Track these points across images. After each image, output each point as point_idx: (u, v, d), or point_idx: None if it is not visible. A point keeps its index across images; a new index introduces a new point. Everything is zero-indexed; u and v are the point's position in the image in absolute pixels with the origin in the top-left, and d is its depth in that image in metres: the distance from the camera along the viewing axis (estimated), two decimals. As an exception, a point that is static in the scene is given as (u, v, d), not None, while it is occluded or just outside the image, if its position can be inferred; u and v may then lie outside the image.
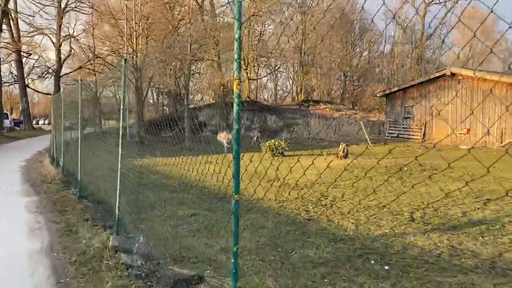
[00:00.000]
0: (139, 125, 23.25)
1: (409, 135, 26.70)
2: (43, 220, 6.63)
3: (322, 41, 43.70)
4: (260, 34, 36.68)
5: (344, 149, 16.54)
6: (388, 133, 27.95)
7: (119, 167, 5.33)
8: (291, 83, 54.45)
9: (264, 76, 46.57)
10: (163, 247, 5.14)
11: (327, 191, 9.60)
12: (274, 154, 17.86)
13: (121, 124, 5.08)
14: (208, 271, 4.48)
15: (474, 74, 21.93)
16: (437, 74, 25.25)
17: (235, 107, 2.81)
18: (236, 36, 2.51)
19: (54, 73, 39.54)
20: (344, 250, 5.38)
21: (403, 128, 27.22)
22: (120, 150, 5.14)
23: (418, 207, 8.03)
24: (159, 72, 23.70)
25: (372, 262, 4.91)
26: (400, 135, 27.14)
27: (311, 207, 7.96)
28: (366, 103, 45.07)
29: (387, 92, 28.72)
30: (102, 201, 7.85)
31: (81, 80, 7.90)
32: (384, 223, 6.81)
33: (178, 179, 11.73)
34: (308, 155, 18.49)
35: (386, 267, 4.73)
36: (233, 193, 2.96)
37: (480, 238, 6.00)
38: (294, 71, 45.79)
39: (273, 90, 57.73)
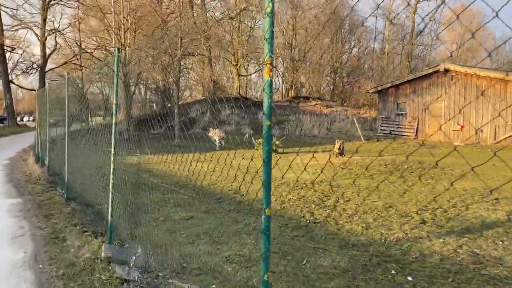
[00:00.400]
0: (128, 122, 22.59)
1: (401, 131, 26.48)
2: (27, 226, 6.08)
3: (312, 38, 43.35)
4: (251, 28, 36.11)
5: (340, 147, 16.15)
6: (381, 129, 27.70)
7: (111, 168, 4.81)
8: (279, 80, 54.07)
9: (255, 72, 45.98)
10: (161, 257, 4.64)
11: (330, 191, 9.18)
12: (268, 151, 17.38)
13: (114, 121, 4.56)
14: (213, 286, 4.01)
15: (474, 69, 21.74)
16: (430, 70, 25.03)
17: (267, 100, 2.33)
18: (268, 9, 2.03)
19: (39, 69, 38.49)
20: (359, 258, 4.94)
21: (396, 124, 26.99)
22: (113, 149, 4.62)
23: (426, 207, 7.64)
24: (148, 67, 23.03)
25: (393, 272, 4.48)
26: (392, 132, 26.91)
27: (314, 209, 7.52)
28: (356, 100, 44.93)
29: (380, 88, 28.45)
30: (91, 203, 7.31)
31: (68, 74, 7.32)
32: (394, 226, 6.40)
33: (171, 179, 11.20)
34: (302, 152, 18.08)
35: (410, 278, 4.31)
36: (264, 207, 2.45)
37: (500, 242, 5.63)
38: (284, 67, 45.29)
39: (261, 87, 57.23)
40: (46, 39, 38.65)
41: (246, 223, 6.48)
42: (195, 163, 14.38)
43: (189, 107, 33.83)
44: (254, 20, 35.87)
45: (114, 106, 4.57)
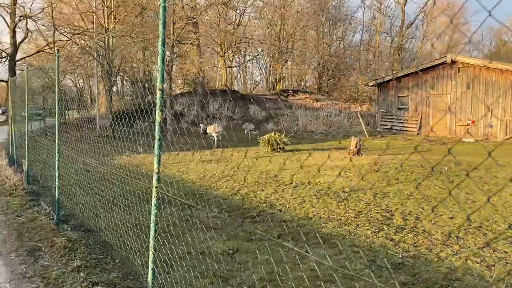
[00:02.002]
0: (111, 115, 20.39)
1: (403, 127, 25.12)
2: (3, 272, 4.11)
3: (300, 29, 41.67)
4: (241, 16, 34.08)
5: (357, 144, 14.51)
6: (380, 124, 26.29)
7: (154, 198, 2.91)
8: (263, 72, 52.21)
9: (244, 63, 43.98)
10: None
11: (381, 202, 7.44)
12: (274, 149, 15.61)
13: (158, 120, 2.67)
14: None
15: (489, 62, 20.44)
16: (436, 62, 23.69)
17: None
18: None
19: (8, 57, 35.40)
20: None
21: (397, 119, 25.61)
22: (156, 165, 2.72)
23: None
24: (132, 55, 20.81)
25: None
26: (393, 127, 25.52)
27: (389, 231, 5.77)
28: (343, 93, 43.50)
29: (380, 81, 27.00)
30: (94, 229, 5.37)
31: (58, 51, 5.33)
32: (516, 259, 4.73)
33: (179, 186, 9.26)
34: (311, 150, 16.37)
35: None
36: None
37: None
38: (271, 59, 43.44)
39: (242, 80, 55.30)
40: (16, 25, 35.55)
41: (314, 260, 4.67)
42: (200, 164, 12.43)
43: (174, 100, 31.62)
44: (244, 5, 33.82)
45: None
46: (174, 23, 17.87)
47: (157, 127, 2.78)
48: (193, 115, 28.72)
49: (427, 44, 46.61)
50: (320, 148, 17.04)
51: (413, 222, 6.23)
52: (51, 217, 6.11)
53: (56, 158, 5.49)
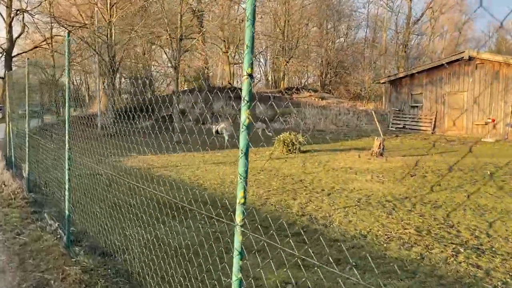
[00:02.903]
0: (114, 113, 19.38)
1: (417, 126, 24.17)
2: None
3: (304, 25, 40.68)
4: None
5: (380, 145, 13.54)
6: (392, 123, 25.33)
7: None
8: (264, 70, 51.19)
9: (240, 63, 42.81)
10: None
11: (435, 213, 6.46)
12: (290, 150, 14.61)
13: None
14: None
15: None
16: (452, 58, 22.74)
17: None
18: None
19: (4, 53, 34.23)
20: None
21: (410, 118, 24.66)
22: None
23: None
24: (135, 49, 19.75)
25: None
26: (406, 126, 24.57)
27: (470, 254, 4.79)
28: (351, 91, 42.52)
29: (392, 78, 26.04)
30: (112, 252, 4.38)
31: (68, 34, 4.31)
32: None
33: (194, 191, 8.24)
34: (328, 150, 15.37)
35: None
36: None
37: None
38: (276, 55, 42.42)
39: (240, 78, 54.19)
40: (12, 19, 34.38)
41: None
42: (214, 166, 11.34)
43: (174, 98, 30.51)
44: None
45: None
46: (181, 15, 16.80)
47: (243, 134, 1.79)
48: (197, 113, 27.67)
49: (432, 41, 45.60)
50: (337, 148, 16.06)
51: (488, 241, 5.26)
52: (58, 236, 5.11)
53: (66, 167, 4.48)
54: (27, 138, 6.98)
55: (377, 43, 45.86)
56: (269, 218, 4.54)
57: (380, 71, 47.27)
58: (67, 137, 4.43)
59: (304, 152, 14.94)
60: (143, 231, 5.02)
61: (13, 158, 8.84)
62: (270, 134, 16.64)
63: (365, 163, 12.10)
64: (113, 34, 18.89)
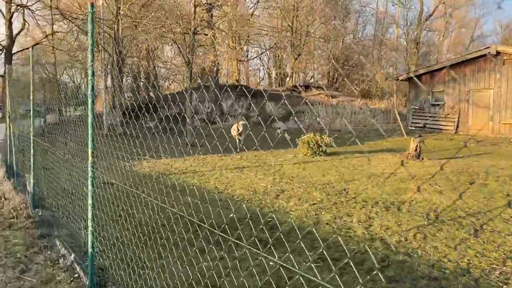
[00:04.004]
0: (121, 112, 18.18)
1: (438, 125, 22.95)
2: None
3: (314, 20, 39.39)
4: (255, 4, 31.78)
5: (417, 147, 12.35)
6: (412, 122, 24.11)
7: None
8: (269, 67, 49.86)
9: (256, 57, 41.73)
10: None
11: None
12: (315, 152, 13.41)
13: None
14: None
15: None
16: (476, 54, 21.52)
17: None
18: None
19: (4, 50, 32.99)
20: None
21: (431, 117, 23.44)
22: None
23: None
24: (144, 45, 18.53)
25: None
26: (427, 125, 23.35)
27: None
28: (361, 88, 41.28)
29: (411, 75, 24.81)
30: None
31: (92, 6, 3.12)
32: None
33: (226, 204, 7.03)
34: (357, 152, 14.16)
35: None
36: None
37: None
38: (284, 52, 41.15)
39: (245, 75, 52.88)
40: (12, 15, 33.15)
41: None
42: (238, 172, 9.95)
43: (182, 96, 29.32)
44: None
45: None
46: (195, 6, 15.56)
47: None
48: (205, 112, 26.47)
49: (446, 37, 44.33)
50: (363, 150, 14.85)
51: None
52: (75, 274, 3.91)
53: (89, 189, 3.27)
54: (32, 144, 5.76)
55: (387, 39, 44.59)
56: (339, 246, 3.33)
57: (388, 68, 46.14)
58: (90, 149, 3.22)
59: (329, 154, 13.74)
60: (180, 264, 3.81)
61: (14, 165, 7.62)
62: (286, 136, 15.43)
63: (407, 167, 10.91)
64: (120, 28, 17.66)
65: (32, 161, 5.84)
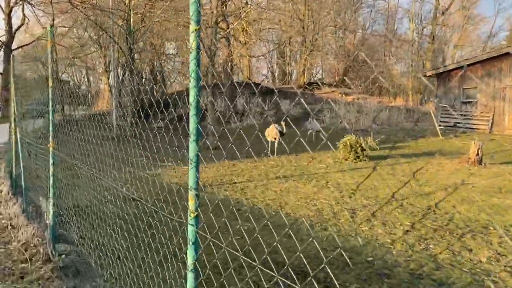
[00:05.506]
0: (132, 112, 16.64)
1: (470, 124, 21.41)
2: None
3: (327, 14, 37.82)
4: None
5: (478, 151, 10.80)
6: (441, 121, 22.53)
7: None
8: (269, 65, 48.14)
9: (267, 53, 40.12)
10: None
11: None
12: (358, 157, 11.87)
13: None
14: None
15: None
16: (515, 47, 19.98)
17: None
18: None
19: (3, 46, 31.38)
20: None
21: (462, 115, 21.89)
22: None
23: None
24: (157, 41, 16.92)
25: None
26: (457, 124, 21.80)
27: None
28: (376, 86, 39.67)
29: (440, 70, 23.24)
30: None
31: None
32: None
33: (297, 234, 5.48)
34: (401, 156, 12.61)
35: None
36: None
37: None
38: (298, 48, 39.56)
39: (248, 72, 51.18)
40: (11, 10, 31.53)
41: None
42: (284, 183, 8.30)
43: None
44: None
45: None
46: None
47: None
48: (218, 111, 24.89)
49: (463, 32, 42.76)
50: (407, 153, 13.30)
51: None
52: None
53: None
54: (51, 160, 4.19)
55: (400, 34, 43.05)
56: None
57: (400, 64, 44.65)
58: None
59: (372, 158, 12.21)
60: None
61: (22, 182, 6.05)
62: (320, 134, 13.94)
63: (475, 175, 9.37)
64: (131, 20, 16.08)
65: (51, 182, 4.27)
